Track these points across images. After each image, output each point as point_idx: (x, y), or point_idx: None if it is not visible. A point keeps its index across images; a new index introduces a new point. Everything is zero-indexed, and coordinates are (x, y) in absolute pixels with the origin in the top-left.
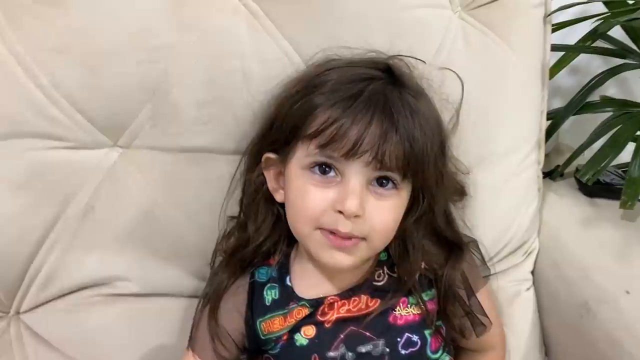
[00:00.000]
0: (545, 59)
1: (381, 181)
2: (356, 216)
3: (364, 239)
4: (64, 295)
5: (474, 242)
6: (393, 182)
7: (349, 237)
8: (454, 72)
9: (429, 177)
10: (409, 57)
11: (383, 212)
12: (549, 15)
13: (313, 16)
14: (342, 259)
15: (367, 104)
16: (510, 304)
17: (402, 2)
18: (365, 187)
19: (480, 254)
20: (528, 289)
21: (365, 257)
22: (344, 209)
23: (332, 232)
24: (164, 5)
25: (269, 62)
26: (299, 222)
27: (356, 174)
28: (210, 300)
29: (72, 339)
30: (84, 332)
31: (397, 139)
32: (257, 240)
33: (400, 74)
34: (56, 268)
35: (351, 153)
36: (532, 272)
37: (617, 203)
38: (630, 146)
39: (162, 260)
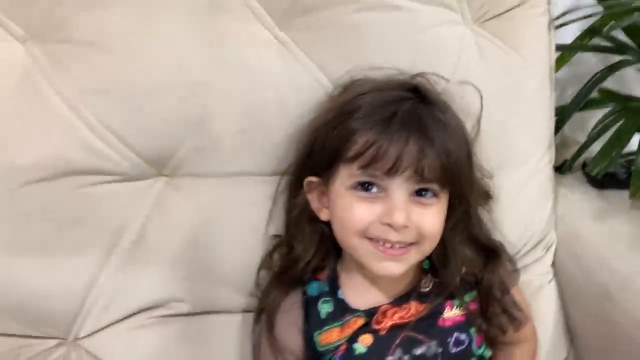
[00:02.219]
0: (552, 62)
1: (421, 192)
2: (404, 227)
3: (413, 243)
4: (121, 319)
5: (502, 245)
6: (433, 192)
7: (399, 247)
8: (472, 84)
9: (463, 184)
10: (432, 74)
11: (429, 217)
12: (554, 20)
13: (340, 42)
14: (393, 268)
15: (402, 124)
16: (535, 296)
17: (420, 23)
18: (408, 198)
19: (508, 254)
20: (550, 281)
21: (415, 262)
22: (392, 222)
23: (382, 243)
24: (199, 43)
25: (302, 89)
26: (347, 235)
27: (399, 188)
28: (266, 317)
29: None
30: (143, 352)
31: (434, 153)
32: (305, 259)
33: (426, 92)
34: (113, 295)
35: (393, 170)
36: (553, 265)
37: (625, 193)
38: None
39: (211, 280)
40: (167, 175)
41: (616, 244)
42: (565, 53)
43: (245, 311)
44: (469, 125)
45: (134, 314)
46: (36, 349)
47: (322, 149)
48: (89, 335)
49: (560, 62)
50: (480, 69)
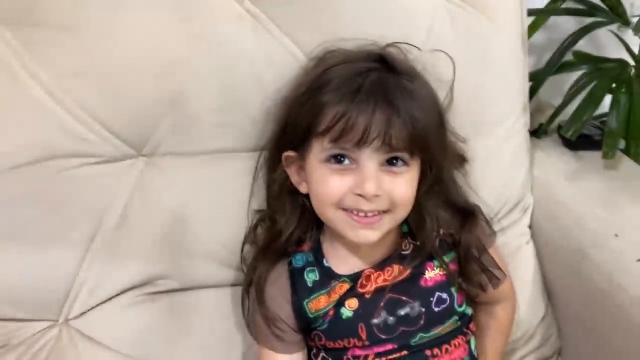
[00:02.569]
0: (524, 25)
1: (392, 161)
2: (376, 196)
3: (387, 211)
4: (110, 298)
5: (478, 207)
6: (403, 160)
7: (372, 215)
8: (444, 52)
9: (433, 150)
10: (404, 43)
11: (400, 185)
12: None
13: (311, 15)
14: (368, 235)
15: (369, 96)
16: (514, 257)
17: None
18: (379, 168)
19: (484, 217)
20: (528, 241)
21: (389, 228)
22: (363, 192)
23: (356, 212)
24: (172, 22)
25: (277, 63)
26: (324, 207)
27: (369, 159)
28: (255, 291)
29: (124, 338)
30: (134, 329)
31: (400, 122)
32: (288, 231)
33: (393, 62)
34: (100, 275)
35: (361, 142)
36: (530, 226)
37: (598, 153)
38: (606, 99)
39: (196, 256)
40: (146, 155)
41: (590, 204)
42: (538, 17)
43: (233, 285)
44: (442, 93)
45: (122, 292)
46: (28, 331)
47: (296, 124)
48: (80, 315)
49: (533, 27)
50: (451, 36)
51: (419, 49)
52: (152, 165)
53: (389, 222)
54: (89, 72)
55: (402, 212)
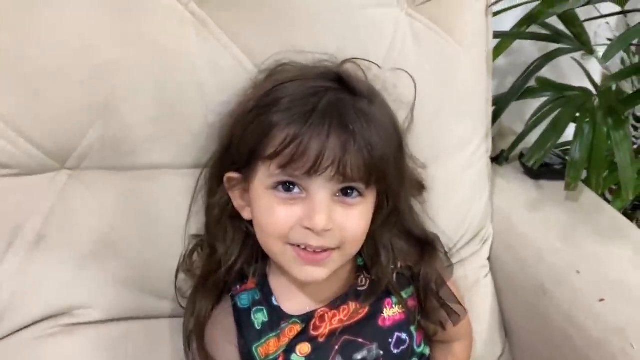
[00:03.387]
0: (489, 49)
1: (346, 191)
2: (326, 230)
3: (336, 248)
4: (20, 329)
5: (437, 237)
6: (358, 191)
7: (321, 251)
8: (406, 72)
9: (391, 180)
10: (363, 59)
11: (353, 220)
12: (491, 6)
13: (265, 22)
14: (316, 273)
15: (323, 118)
16: (471, 291)
17: (352, 4)
18: (331, 199)
19: (443, 247)
20: (486, 275)
21: (339, 265)
22: (312, 226)
23: (304, 248)
24: (103, 19)
25: (222, 72)
26: (268, 239)
27: (320, 189)
28: (195, 331)
29: None
30: None
31: (356, 149)
32: (228, 261)
33: (350, 81)
34: (9, 303)
35: (313, 170)
36: (489, 259)
37: (560, 184)
38: (569, 128)
39: (123, 284)
40: (70, 168)
41: (551, 237)
42: (503, 40)
43: (171, 316)
44: (402, 114)
45: (35, 322)
46: None
47: (240, 144)
48: None
49: (498, 50)
50: (414, 55)
51: (379, 66)
52: (76, 180)
53: (339, 259)
54: (4, 73)
55: (353, 248)
